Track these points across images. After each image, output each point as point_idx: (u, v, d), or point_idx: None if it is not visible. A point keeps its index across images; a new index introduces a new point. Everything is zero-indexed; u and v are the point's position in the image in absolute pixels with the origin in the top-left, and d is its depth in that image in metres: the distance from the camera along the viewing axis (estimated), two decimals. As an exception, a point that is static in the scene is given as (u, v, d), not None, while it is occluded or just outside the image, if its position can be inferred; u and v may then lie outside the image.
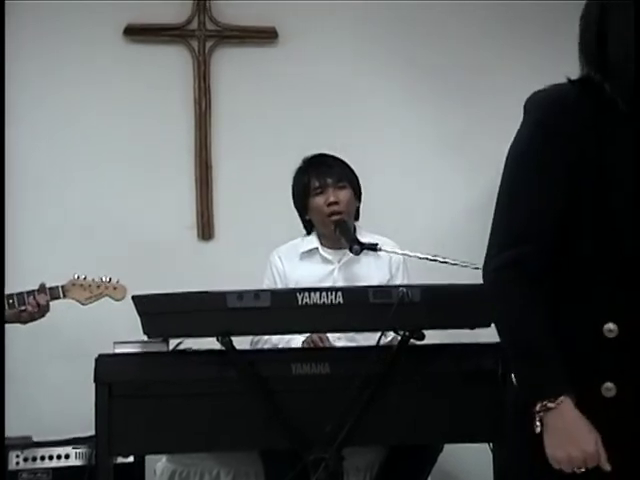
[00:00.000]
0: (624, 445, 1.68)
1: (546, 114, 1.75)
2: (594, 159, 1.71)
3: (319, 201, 3.29)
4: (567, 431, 1.67)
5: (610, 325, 1.70)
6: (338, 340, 3.12)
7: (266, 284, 3.31)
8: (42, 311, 3.18)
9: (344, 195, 3.29)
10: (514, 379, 1.80)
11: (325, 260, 3.34)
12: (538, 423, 1.69)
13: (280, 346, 3.11)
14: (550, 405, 1.68)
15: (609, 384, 1.70)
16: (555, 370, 1.70)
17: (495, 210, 1.79)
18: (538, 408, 1.69)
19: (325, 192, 3.29)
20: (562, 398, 1.67)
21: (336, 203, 3.26)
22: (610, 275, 1.72)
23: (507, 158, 1.81)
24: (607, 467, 1.67)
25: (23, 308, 3.14)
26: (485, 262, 1.79)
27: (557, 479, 1.70)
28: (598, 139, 1.71)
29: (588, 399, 1.70)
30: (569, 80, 1.77)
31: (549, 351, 1.70)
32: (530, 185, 1.75)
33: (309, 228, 3.42)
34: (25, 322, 3.20)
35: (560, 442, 1.68)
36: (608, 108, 1.71)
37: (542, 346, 1.71)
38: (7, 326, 3.17)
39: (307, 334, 3.05)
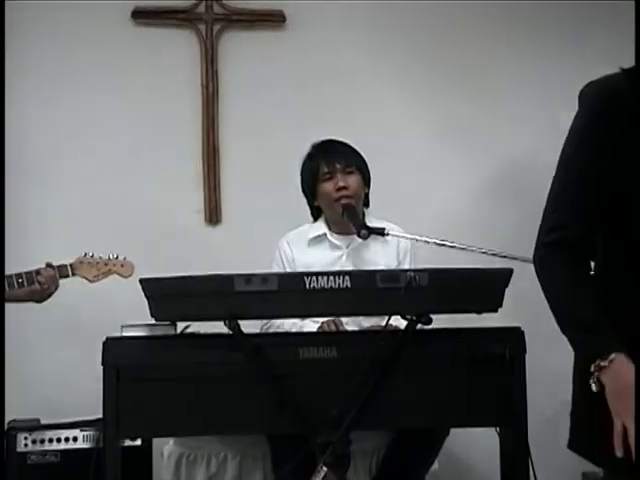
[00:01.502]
0: None
1: (594, 106, 1.82)
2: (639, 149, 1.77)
3: (328, 186, 3.29)
4: (624, 386, 1.72)
5: None
6: (345, 325, 3.12)
7: (275, 270, 3.30)
8: (50, 285, 3.19)
9: (353, 180, 3.29)
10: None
11: (333, 246, 3.33)
12: (593, 384, 1.75)
13: (292, 331, 3.11)
14: (603, 364, 1.74)
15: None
16: (603, 331, 1.76)
17: (548, 195, 1.88)
18: (593, 369, 1.75)
19: (334, 177, 3.28)
20: (613, 356, 1.73)
21: (345, 188, 3.26)
22: None
23: (563, 145, 1.88)
24: None
25: (34, 287, 3.17)
26: (535, 245, 1.89)
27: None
28: None
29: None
30: (622, 70, 1.82)
31: (595, 315, 1.78)
32: (578, 173, 1.83)
33: (317, 215, 3.42)
34: (40, 300, 3.24)
35: (618, 397, 1.73)
36: None
37: (588, 312, 1.79)
38: (16, 309, 3.19)
39: (320, 319, 3.04)
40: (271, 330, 3.16)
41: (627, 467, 1.71)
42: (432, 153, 4.12)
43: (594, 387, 1.76)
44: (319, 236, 3.35)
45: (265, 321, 3.16)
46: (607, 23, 3.80)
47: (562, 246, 1.82)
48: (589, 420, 1.83)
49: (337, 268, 3.22)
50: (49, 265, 3.22)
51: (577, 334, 1.81)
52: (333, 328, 3.03)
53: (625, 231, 1.82)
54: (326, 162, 3.31)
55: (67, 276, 3.26)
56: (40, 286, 3.18)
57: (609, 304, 1.80)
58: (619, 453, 1.70)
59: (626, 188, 1.79)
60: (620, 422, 1.71)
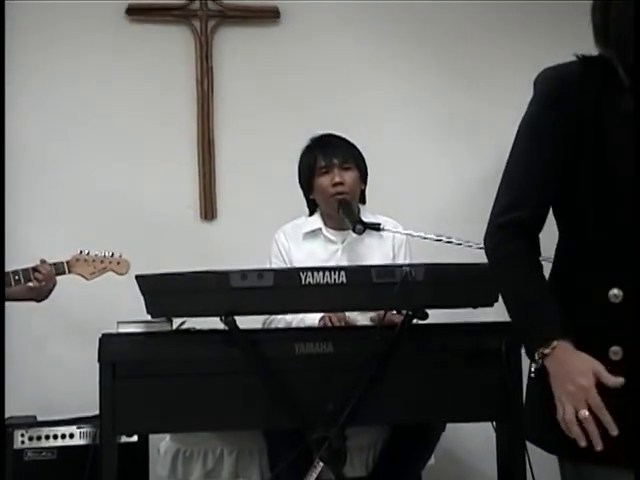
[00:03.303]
0: (631, 406, 1.70)
1: (547, 89, 1.83)
2: (592, 131, 1.77)
3: (324, 181, 3.28)
4: (563, 370, 1.72)
5: (615, 290, 1.75)
6: (359, 315, 3.12)
7: (274, 263, 3.29)
8: (48, 281, 3.20)
9: (349, 176, 3.29)
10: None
11: (329, 241, 3.33)
12: (532, 368, 1.77)
13: (294, 324, 3.12)
14: (546, 351, 1.73)
15: (616, 348, 1.74)
16: (546, 318, 1.76)
17: (501, 178, 1.89)
18: (537, 357, 1.75)
19: (331, 172, 3.28)
20: (555, 343, 1.73)
21: (341, 184, 3.25)
22: (613, 241, 1.77)
23: (517, 129, 1.90)
24: (610, 381, 1.68)
25: (31, 285, 3.18)
26: (487, 228, 1.89)
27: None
28: (598, 110, 1.77)
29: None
30: (577, 57, 1.83)
31: (539, 301, 1.78)
32: (528, 155, 1.85)
33: (312, 208, 3.42)
34: (39, 299, 3.24)
35: (558, 382, 1.73)
36: (611, 81, 1.78)
37: (532, 298, 1.79)
38: (13, 305, 3.20)
39: (320, 313, 3.05)
40: (273, 324, 3.17)
41: (576, 453, 1.71)
42: (431, 148, 4.12)
43: (532, 373, 1.77)
44: (314, 230, 3.35)
45: (267, 315, 3.17)
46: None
47: (514, 227, 1.82)
48: (541, 409, 1.81)
49: (332, 263, 3.22)
50: (44, 262, 3.22)
51: (520, 319, 1.81)
52: (336, 322, 3.03)
53: (578, 212, 1.82)
54: (323, 156, 3.30)
55: (63, 273, 3.26)
56: (38, 283, 3.19)
57: (562, 288, 1.81)
58: (582, 443, 1.67)
59: (581, 172, 1.79)
60: (562, 408, 1.70)
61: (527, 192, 1.83)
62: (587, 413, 1.66)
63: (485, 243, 1.88)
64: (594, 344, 1.74)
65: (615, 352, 1.74)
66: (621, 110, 1.75)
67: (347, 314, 3.08)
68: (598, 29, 1.79)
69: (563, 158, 1.80)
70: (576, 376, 1.69)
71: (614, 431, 1.65)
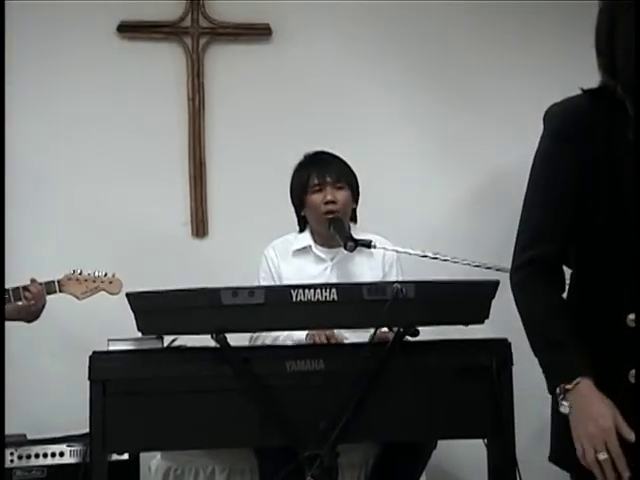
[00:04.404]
0: None
1: (558, 124, 1.87)
2: (606, 163, 1.80)
3: (316, 199, 3.28)
4: (585, 409, 1.75)
5: (632, 316, 1.78)
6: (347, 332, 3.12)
7: (262, 277, 3.30)
8: (37, 301, 3.17)
9: (342, 195, 3.29)
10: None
11: (318, 258, 3.33)
12: (565, 403, 1.79)
13: (280, 340, 3.11)
14: (568, 387, 1.77)
15: (634, 371, 1.77)
16: (570, 354, 1.80)
17: (520, 216, 1.92)
18: (558, 391, 1.79)
19: (323, 190, 3.28)
20: (578, 379, 1.77)
21: (333, 202, 3.26)
22: (630, 267, 1.79)
23: (532, 165, 1.92)
24: (631, 436, 1.72)
25: (20, 303, 3.15)
26: (511, 266, 1.93)
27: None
28: (609, 143, 1.80)
29: (614, 385, 1.78)
30: (582, 90, 1.86)
31: (563, 337, 1.81)
32: (544, 191, 1.88)
33: (302, 225, 3.42)
34: (28, 319, 3.21)
35: (579, 420, 1.76)
36: (619, 112, 1.80)
37: (557, 334, 1.82)
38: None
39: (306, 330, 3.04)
40: (259, 340, 3.16)
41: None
42: (418, 164, 4.13)
43: (562, 409, 1.79)
44: (304, 248, 3.35)
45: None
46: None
47: (535, 265, 1.86)
48: (567, 432, 1.82)
49: (322, 280, 3.22)
50: (34, 281, 3.20)
51: (545, 355, 1.84)
52: (324, 340, 3.03)
53: (592, 240, 1.85)
54: (317, 174, 3.31)
55: (54, 292, 3.24)
56: (27, 302, 3.16)
57: (578, 319, 1.84)
58: None
59: (595, 203, 1.82)
60: (581, 449, 1.74)
61: (545, 228, 1.86)
62: (605, 456, 1.70)
63: (511, 280, 1.92)
64: (612, 368, 1.77)
65: (633, 376, 1.76)
66: (631, 140, 1.78)
67: (335, 331, 3.08)
68: (604, 60, 1.81)
69: (578, 191, 1.83)
70: (599, 417, 1.73)
71: (626, 473, 1.70)
